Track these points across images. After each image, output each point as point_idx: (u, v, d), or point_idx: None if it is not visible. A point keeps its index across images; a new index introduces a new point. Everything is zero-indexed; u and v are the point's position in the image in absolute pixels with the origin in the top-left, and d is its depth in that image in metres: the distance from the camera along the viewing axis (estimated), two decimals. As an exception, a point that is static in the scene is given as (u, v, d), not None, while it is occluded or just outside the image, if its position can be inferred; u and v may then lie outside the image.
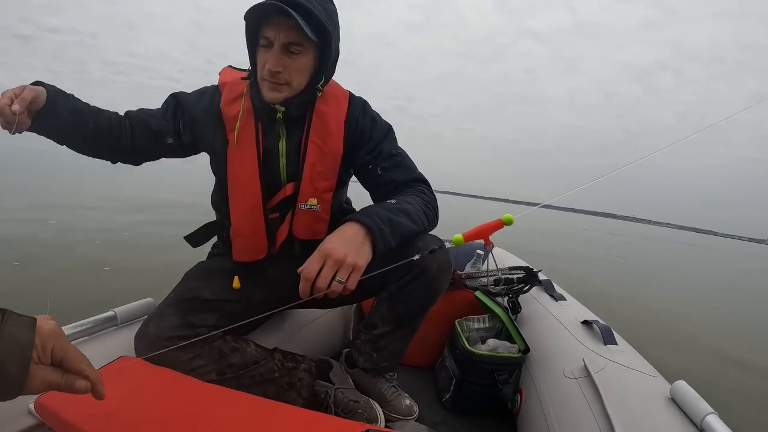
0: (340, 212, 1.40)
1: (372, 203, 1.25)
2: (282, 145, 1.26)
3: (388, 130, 1.37)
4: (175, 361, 1.06)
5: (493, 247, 2.51)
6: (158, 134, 1.28)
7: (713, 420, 0.88)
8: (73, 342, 1.06)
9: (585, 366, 1.24)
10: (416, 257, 1.11)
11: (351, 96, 1.36)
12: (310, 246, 1.16)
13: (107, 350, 1.10)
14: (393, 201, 1.19)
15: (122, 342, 1.17)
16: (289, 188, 1.27)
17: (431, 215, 1.27)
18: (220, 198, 1.33)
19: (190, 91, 1.34)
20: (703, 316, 6.62)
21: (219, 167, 1.29)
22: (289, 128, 1.26)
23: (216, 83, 1.32)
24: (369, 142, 1.32)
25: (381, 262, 1.06)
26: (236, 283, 1.28)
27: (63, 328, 1.09)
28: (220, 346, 1.13)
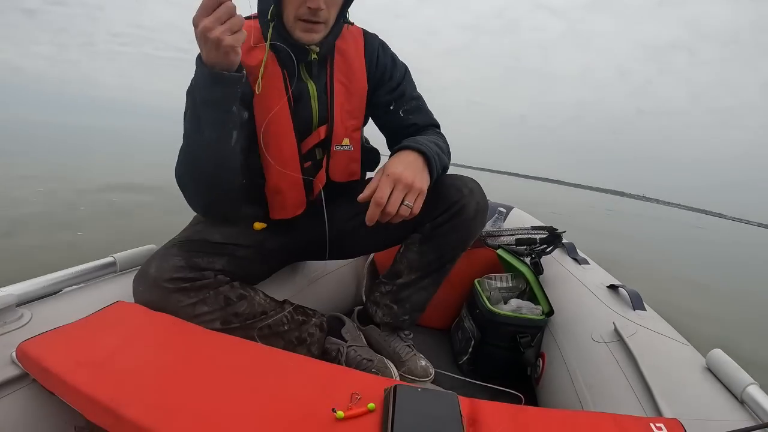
0: (364, 151, 1.36)
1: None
2: (312, 88, 1.19)
3: (406, 70, 1.34)
4: (176, 306, 0.99)
5: (512, 208, 2.45)
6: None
7: (754, 391, 0.82)
8: (69, 288, 1.07)
9: (616, 330, 1.18)
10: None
11: (364, 31, 1.31)
12: (342, 190, 1.22)
13: (105, 297, 1.02)
14: (423, 136, 1.22)
15: (121, 289, 1.09)
16: (321, 131, 1.21)
17: (449, 154, 1.28)
18: (251, 160, 1.21)
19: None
20: (723, 289, 6.63)
21: (248, 123, 1.17)
22: (310, 67, 1.19)
23: None
24: (390, 82, 1.29)
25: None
26: (258, 225, 1.22)
27: (59, 272, 1.06)
28: (227, 292, 1.06)
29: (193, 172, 1.04)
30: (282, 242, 1.28)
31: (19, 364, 0.79)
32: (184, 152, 1.03)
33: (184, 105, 1.03)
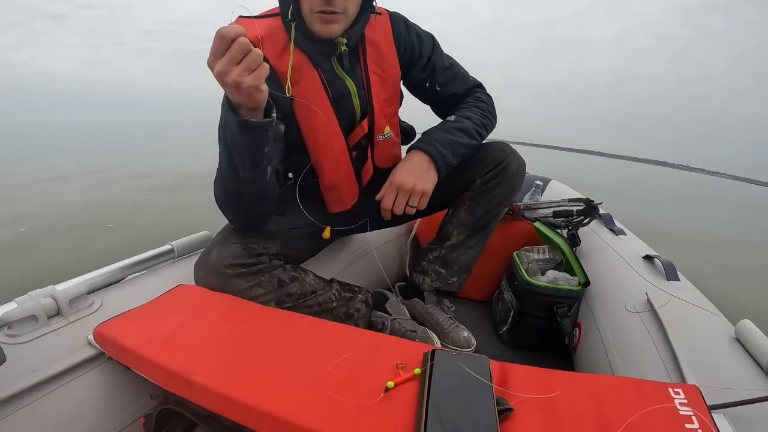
0: (402, 132, 1.43)
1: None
2: (351, 85, 1.21)
3: (433, 41, 1.36)
4: (234, 290, 1.05)
5: (550, 180, 2.47)
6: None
7: None
8: (131, 276, 1.17)
9: (648, 300, 1.21)
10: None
11: (390, 14, 1.29)
12: (388, 172, 1.25)
13: (166, 282, 1.11)
14: (452, 119, 1.29)
15: (180, 275, 1.18)
16: (364, 125, 1.26)
17: (489, 122, 1.37)
18: (297, 159, 1.25)
19: None
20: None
21: (292, 129, 1.19)
22: (344, 63, 1.21)
23: None
24: (420, 59, 1.32)
25: (451, 176, 1.27)
26: (327, 233, 1.29)
27: (122, 261, 1.15)
28: (280, 274, 1.12)
29: (231, 201, 1.06)
30: (332, 220, 1.33)
31: (96, 345, 0.88)
32: (220, 181, 1.04)
33: (218, 124, 1.02)
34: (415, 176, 1.18)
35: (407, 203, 1.20)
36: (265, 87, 0.84)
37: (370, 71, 1.23)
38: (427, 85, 1.37)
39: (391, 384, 0.67)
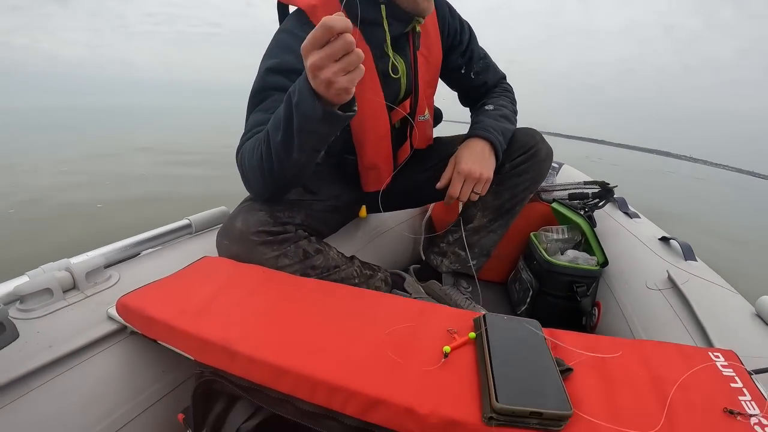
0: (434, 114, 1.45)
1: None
2: (401, 65, 1.21)
3: (471, 31, 1.39)
4: (260, 259, 1.00)
5: (563, 164, 2.50)
6: None
7: None
8: (150, 250, 1.14)
9: (670, 277, 1.24)
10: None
11: None
12: (419, 152, 1.27)
13: (185, 256, 1.06)
14: (491, 107, 1.33)
15: (199, 248, 1.16)
16: (406, 104, 1.27)
17: (516, 110, 1.41)
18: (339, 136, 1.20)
19: (274, 56, 1.07)
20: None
21: None
22: (395, 42, 1.20)
23: (294, 18, 1.12)
24: (460, 46, 1.35)
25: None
26: (363, 212, 1.34)
27: (139, 235, 1.12)
28: (305, 246, 1.08)
29: (267, 176, 0.98)
30: (356, 196, 1.35)
31: (117, 319, 0.84)
32: (259, 155, 0.96)
33: (252, 102, 1.03)
34: (481, 164, 1.21)
35: (472, 190, 1.23)
36: (354, 89, 0.80)
37: (418, 52, 1.24)
38: (463, 71, 1.39)
39: (447, 349, 0.67)
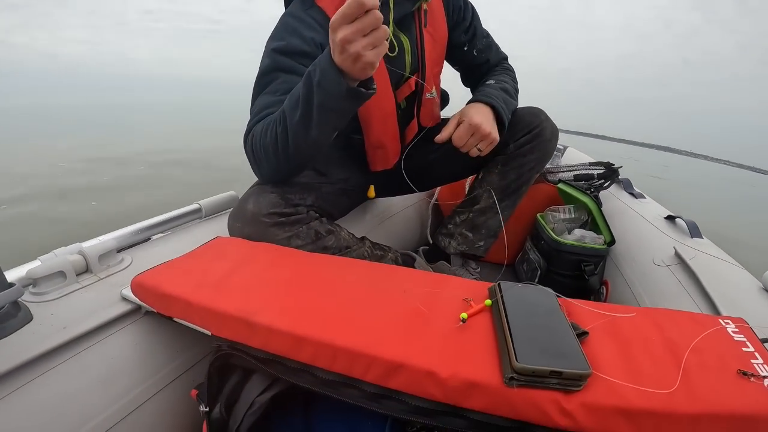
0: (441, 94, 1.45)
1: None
2: (406, 42, 1.22)
3: (474, 8, 1.38)
4: (272, 240, 1.02)
5: (567, 147, 2.50)
6: None
7: None
8: (160, 234, 1.14)
9: (677, 254, 1.25)
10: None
11: None
12: (429, 131, 1.27)
13: (196, 239, 1.05)
14: (493, 82, 1.32)
15: (209, 232, 1.14)
16: (412, 83, 1.26)
17: (517, 89, 1.40)
18: None
19: (280, 38, 1.09)
20: None
21: None
22: (401, 20, 1.21)
23: (299, 2, 1.14)
24: (463, 23, 1.35)
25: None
26: (372, 192, 1.33)
27: (149, 220, 1.12)
28: (317, 227, 1.10)
29: (281, 155, 0.99)
30: (363, 179, 1.36)
31: (132, 300, 0.84)
32: (275, 134, 0.97)
33: (259, 84, 1.04)
34: (490, 124, 1.19)
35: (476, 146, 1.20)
36: (377, 64, 0.83)
37: (424, 30, 1.24)
38: (465, 48, 1.39)
39: (464, 315, 0.68)
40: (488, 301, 0.73)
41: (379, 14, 0.75)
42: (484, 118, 1.18)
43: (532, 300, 0.72)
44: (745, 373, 0.60)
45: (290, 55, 1.05)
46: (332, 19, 0.77)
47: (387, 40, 0.81)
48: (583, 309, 0.74)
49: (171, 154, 7.15)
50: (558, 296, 0.74)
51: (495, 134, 1.19)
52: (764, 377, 0.60)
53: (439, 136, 1.22)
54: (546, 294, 0.74)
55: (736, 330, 0.71)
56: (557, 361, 0.57)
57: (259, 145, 1.01)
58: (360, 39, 0.76)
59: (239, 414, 0.72)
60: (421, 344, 0.64)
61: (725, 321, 0.74)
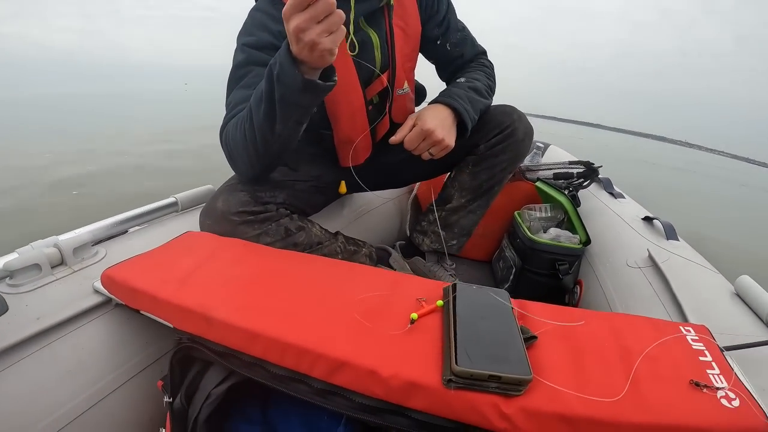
0: (415, 89, 1.42)
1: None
2: (375, 37, 1.19)
3: (449, 1, 1.35)
4: (242, 237, 1.02)
5: (549, 145, 2.49)
6: None
7: None
8: (136, 227, 1.15)
9: (650, 256, 1.23)
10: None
11: None
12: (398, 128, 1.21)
13: (171, 233, 1.06)
14: (463, 80, 1.28)
15: (184, 226, 1.15)
16: (383, 79, 1.23)
17: (493, 86, 1.36)
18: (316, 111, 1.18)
19: (250, 34, 1.08)
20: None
21: None
22: (370, 15, 1.19)
23: None
24: (436, 15, 1.31)
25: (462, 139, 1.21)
26: (343, 187, 1.30)
27: (125, 213, 1.12)
28: (287, 223, 1.10)
29: (252, 152, 0.99)
30: (336, 175, 1.33)
31: (103, 293, 0.85)
32: (243, 131, 0.97)
33: (233, 78, 1.03)
34: (444, 129, 1.15)
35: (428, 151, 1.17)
36: (336, 50, 0.80)
37: (394, 24, 1.21)
38: (438, 42, 1.35)
39: (414, 315, 0.68)
40: (440, 302, 0.72)
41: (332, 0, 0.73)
42: (439, 122, 1.15)
43: (484, 302, 0.71)
44: (697, 384, 0.59)
45: (261, 50, 1.04)
46: (284, 9, 0.75)
47: (346, 34, 0.80)
48: (538, 312, 0.73)
49: (163, 145, 7.11)
50: (514, 299, 0.73)
51: (448, 140, 1.16)
52: (718, 389, 0.58)
53: (393, 137, 1.19)
54: (500, 297, 0.72)
55: (696, 338, 0.70)
56: (498, 365, 0.55)
57: (231, 141, 1.01)
58: (314, 26, 0.74)
59: (197, 404, 0.73)
60: (368, 343, 0.64)
61: (686, 328, 0.72)
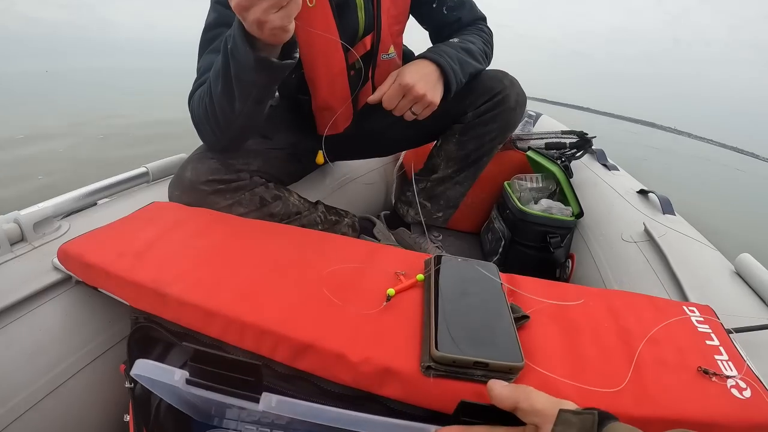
0: (404, 55, 1.32)
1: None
2: None
3: None
4: (213, 208, 0.96)
5: (541, 114, 2.42)
6: None
7: None
8: (104, 199, 1.07)
9: (646, 230, 1.18)
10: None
11: None
12: None
13: (140, 204, 1.00)
14: (457, 40, 1.18)
15: (156, 197, 1.07)
16: (367, 42, 1.14)
17: (489, 53, 1.27)
18: (291, 75, 1.09)
19: None
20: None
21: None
22: None
23: None
24: None
25: (442, 104, 1.09)
26: (320, 158, 1.20)
27: (93, 184, 1.05)
28: (262, 193, 1.03)
29: (214, 127, 0.94)
30: (314, 144, 1.24)
31: (62, 268, 0.80)
32: (204, 105, 0.91)
33: (203, 41, 0.96)
34: (426, 84, 1.05)
35: (410, 109, 1.07)
36: (293, 25, 0.71)
37: None
38: (434, 6, 1.25)
39: (391, 291, 0.61)
40: (420, 276, 0.65)
41: None
42: (421, 77, 1.05)
43: (470, 277, 0.64)
44: (706, 372, 0.53)
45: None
46: None
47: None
48: (530, 288, 0.67)
49: (157, 123, 7.00)
50: (503, 273, 0.66)
51: (431, 96, 1.05)
52: (728, 377, 0.52)
53: (372, 96, 1.09)
54: (488, 270, 0.66)
55: (701, 319, 0.65)
56: (485, 350, 0.49)
57: (195, 113, 0.95)
58: (259, 3, 0.65)
59: (160, 389, 0.68)
60: (336, 323, 0.57)
61: (690, 308, 0.67)
